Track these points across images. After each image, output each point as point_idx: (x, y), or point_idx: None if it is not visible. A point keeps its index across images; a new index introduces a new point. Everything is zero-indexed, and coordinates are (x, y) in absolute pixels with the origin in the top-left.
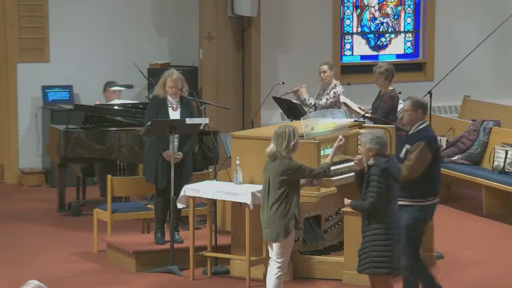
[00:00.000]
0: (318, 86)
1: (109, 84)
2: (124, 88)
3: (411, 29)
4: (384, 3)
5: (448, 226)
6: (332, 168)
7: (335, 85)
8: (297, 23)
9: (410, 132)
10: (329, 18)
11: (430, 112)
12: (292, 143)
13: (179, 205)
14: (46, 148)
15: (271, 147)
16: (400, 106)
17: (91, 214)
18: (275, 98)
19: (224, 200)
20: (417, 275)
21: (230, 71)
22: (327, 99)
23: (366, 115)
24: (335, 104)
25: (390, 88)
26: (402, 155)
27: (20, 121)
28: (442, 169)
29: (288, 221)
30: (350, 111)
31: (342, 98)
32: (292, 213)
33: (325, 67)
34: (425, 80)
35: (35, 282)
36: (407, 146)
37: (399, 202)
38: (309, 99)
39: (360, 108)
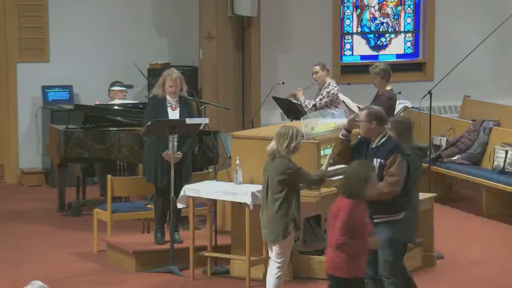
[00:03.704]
0: (315, 87)
1: (112, 84)
2: (125, 88)
3: (411, 29)
4: (384, 3)
5: (448, 226)
6: (331, 168)
7: (329, 84)
8: (297, 23)
9: (374, 145)
10: (329, 18)
11: (430, 112)
12: (293, 144)
13: (179, 205)
14: (46, 148)
15: (272, 145)
16: (399, 107)
17: (91, 214)
18: (275, 98)
19: (224, 200)
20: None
21: (230, 71)
22: (321, 99)
23: None
24: (331, 103)
25: (388, 88)
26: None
27: (20, 121)
28: (442, 169)
29: (287, 222)
30: (348, 110)
31: (341, 97)
32: (292, 215)
33: (316, 68)
34: (425, 80)
35: (39, 283)
36: (380, 160)
37: (376, 220)
38: (305, 101)
39: (358, 107)
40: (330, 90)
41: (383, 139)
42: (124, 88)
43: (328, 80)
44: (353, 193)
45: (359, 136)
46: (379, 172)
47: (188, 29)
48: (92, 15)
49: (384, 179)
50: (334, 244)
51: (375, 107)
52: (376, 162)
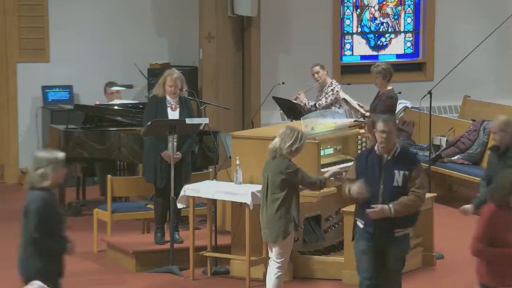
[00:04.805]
0: (315, 89)
1: (108, 84)
2: (123, 88)
3: (411, 29)
4: (384, 3)
5: (448, 226)
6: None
7: (331, 83)
8: (297, 23)
9: (390, 157)
10: (329, 18)
11: (430, 112)
12: (296, 145)
13: (179, 205)
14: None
15: (275, 142)
16: (399, 107)
17: (91, 214)
18: (275, 98)
19: (224, 200)
20: None
21: (230, 71)
22: (326, 98)
23: (366, 114)
24: (336, 101)
25: (389, 88)
26: (398, 183)
27: (20, 121)
28: (442, 169)
29: (287, 222)
30: (350, 107)
31: (342, 94)
32: (292, 215)
33: (317, 68)
34: (425, 80)
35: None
36: (404, 172)
37: (397, 234)
38: (308, 102)
39: (359, 105)
40: (334, 88)
41: (399, 150)
42: (117, 88)
43: (329, 80)
44: (497, 199)
45: (362, 152)
46: (404, 184)
47: (188, 29)
48: (92, 15)
49: (411, 192)
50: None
51: (388, 116)
52: (399, 174)
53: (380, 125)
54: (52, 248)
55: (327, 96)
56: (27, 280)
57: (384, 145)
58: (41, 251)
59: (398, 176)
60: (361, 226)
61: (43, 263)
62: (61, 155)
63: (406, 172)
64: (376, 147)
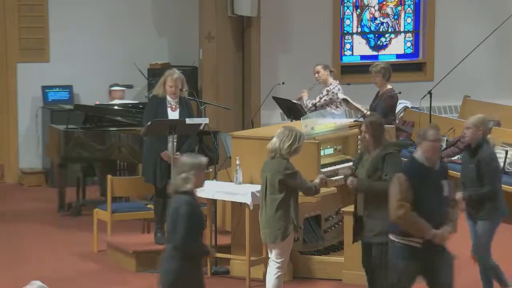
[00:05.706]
0: (319, 88)
1: (112, 85)
2: (124, 88)
3: (411, 29)
4: (384, 3)
5: None
6: (332, 168)
7: (331, 84)
8: (297, 23)
9: (437, 167)
10: (329, 18)
11: (430, 112)
12: (295, 146)
13: None
14: (46, 148)
15: (274, 142)
16: (399, 107)
17: (91, 214)
18: (275, 98)
19: (224, 200)
20: None
21: (230, 71)
22: (320, 98)
23: (367, 113)
24: (331, 102)
25: (389, 87)
26: (447, 193)
27: (20, 121)
28: None
29: (286, 224)
30: (350, 107)
31: (341, 95)
32: (291, 217)
33: (318, 67)
34: (425, 80)
35: (38, 283)
36: (448, 182)
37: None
38: (306, 100)
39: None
40: (331, 89)
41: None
42: (119, 88)
43: (331, 80)
44: None
45: (407, 167)
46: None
47: (188, 29)
48: (92, 15)
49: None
50: None
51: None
52: (446, 184)
53: (432, 134)
54: (197, 252)
55: (321, 96)
56: (168, 286)
57: (437, 155)
58: (187, 255)
59: (446, 186)
60: (418, 245)
61: (187, 267)
62: (204, 160)
63: (448, 181)
64: (422, 159)
